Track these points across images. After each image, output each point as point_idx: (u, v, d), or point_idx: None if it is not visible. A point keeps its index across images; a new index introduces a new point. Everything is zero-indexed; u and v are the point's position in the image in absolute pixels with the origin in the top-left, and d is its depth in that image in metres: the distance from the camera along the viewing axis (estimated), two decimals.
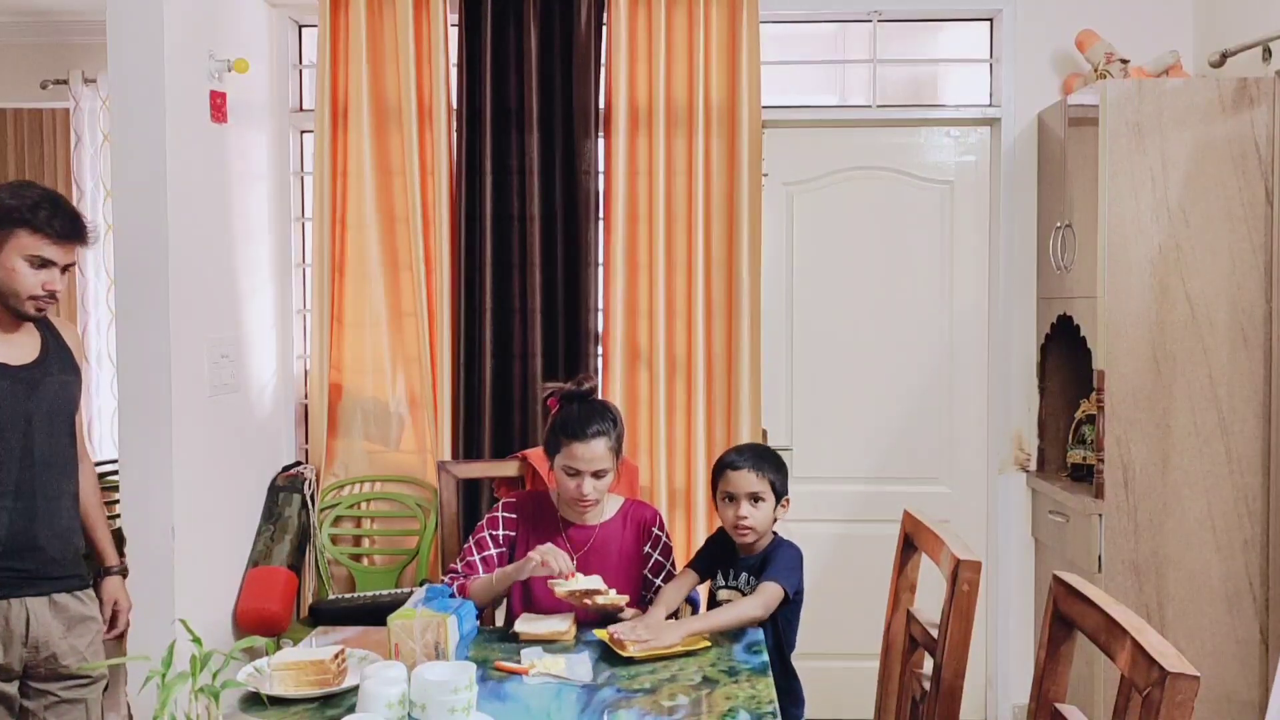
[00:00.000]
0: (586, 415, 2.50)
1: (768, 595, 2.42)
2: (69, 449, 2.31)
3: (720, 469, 2.56)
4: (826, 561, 3.73)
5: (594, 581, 2.39)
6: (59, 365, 2.30)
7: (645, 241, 3.58)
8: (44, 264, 2.18)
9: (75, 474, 2.34)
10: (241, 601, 3.38)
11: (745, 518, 2.49)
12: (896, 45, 3.91)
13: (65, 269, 2.22)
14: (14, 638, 2.22)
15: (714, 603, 2.62)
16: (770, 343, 3.71)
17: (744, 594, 2.53)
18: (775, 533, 2.59)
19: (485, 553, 2.56)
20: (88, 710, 2.34)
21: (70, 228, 2.21)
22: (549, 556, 2.36)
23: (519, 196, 3.55)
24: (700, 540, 3.53)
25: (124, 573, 2.52)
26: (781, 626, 2.52)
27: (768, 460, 2.54)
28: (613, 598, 2.38)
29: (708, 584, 2.67)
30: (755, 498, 2.50)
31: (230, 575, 3.39)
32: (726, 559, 2.61)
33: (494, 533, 2.59)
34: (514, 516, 2.62)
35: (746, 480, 2.50)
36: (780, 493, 2.54)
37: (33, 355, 2.26)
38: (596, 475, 2.49)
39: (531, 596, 2.55)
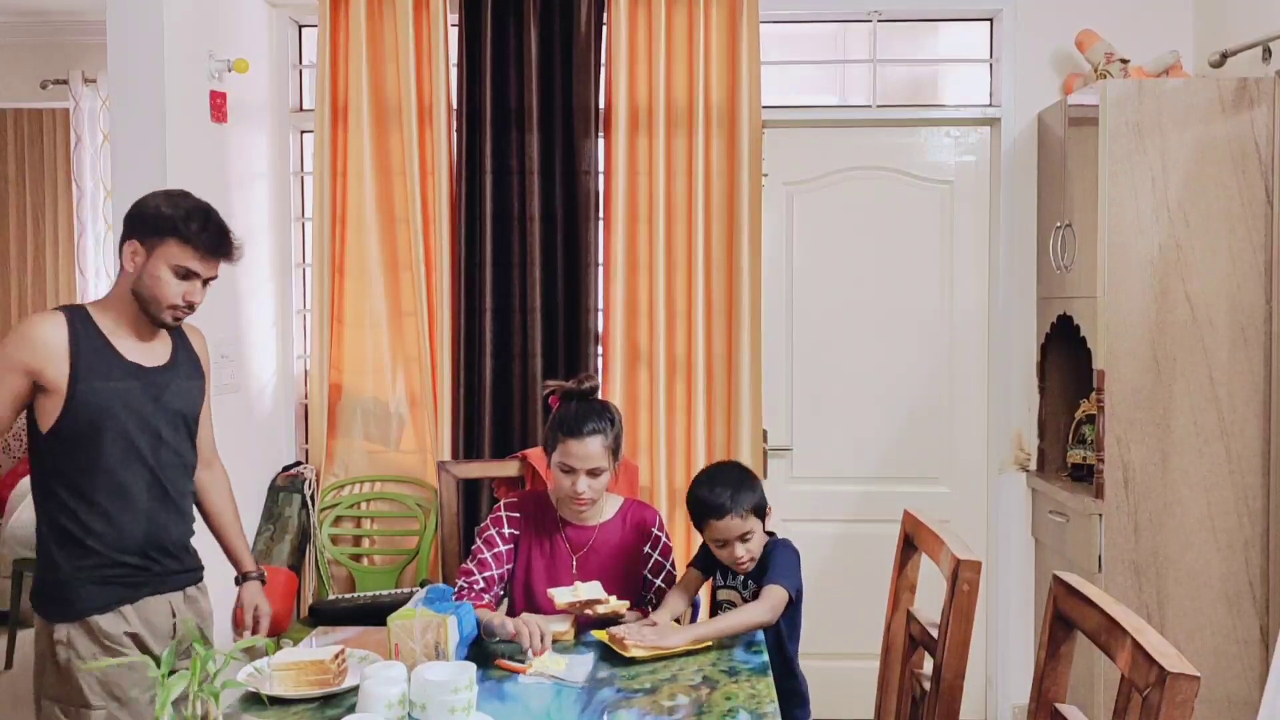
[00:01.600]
0: (583, 413, 2.50)
1: (774, 599, 2.39)
2: (190, 451, 2.33)
3: (701, 514, 2.47)
4: (826, 561, 3.73)
5: (594, 590, 2.38)
6: (186, 369, 2.31)
7: (645, 241, 3.58)
8: (188, 275, 2.17)
9: (193, 476, 2.36)
10: None
11: (742, 557, 2.46)
12: (896, 45, 3.91)
13: (206, 281, 2.22)
14: (159, 634, 2.24)
15: (715, 600, 2.61)
16: (770, 343, 3.71)
17: (741, 593, 2.53)
18: (775, 538, 2.57)
19: (495, 549, 2.56)
20: None
21: (218, 243, 2.20)
22: (523, 627, 2.26)
23: (519, 196, 3.55)
24: (699, 540, 3.53)
25: (262, 578, 2.52)
26: (784, 627, 2.51)
27: (743, 491, 2.45)
28: (613, 605, 2.38)
29: (709, 581, 2.67)
30: (745, 537, 2.45)
31: (230, 575, 3.38)
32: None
33: (500, 530, 2.59)
34: (516, 515, 2.62)
35: (733, 527, 2.43)
36: (762, 512, 2.49)
37: (164, 359, 2.26)
38: (592, 474, 2.49)
39: (533, 597, 2.55)
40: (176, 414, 2.27)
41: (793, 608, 2.48)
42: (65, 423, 2.12)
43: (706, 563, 2.61)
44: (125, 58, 3.02)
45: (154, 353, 2.25)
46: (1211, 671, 3.08)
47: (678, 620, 2.51)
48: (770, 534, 2.57)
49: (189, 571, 2.34)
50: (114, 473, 2.16)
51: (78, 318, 2.16)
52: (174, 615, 2.27)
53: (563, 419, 2.51)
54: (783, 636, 2.51)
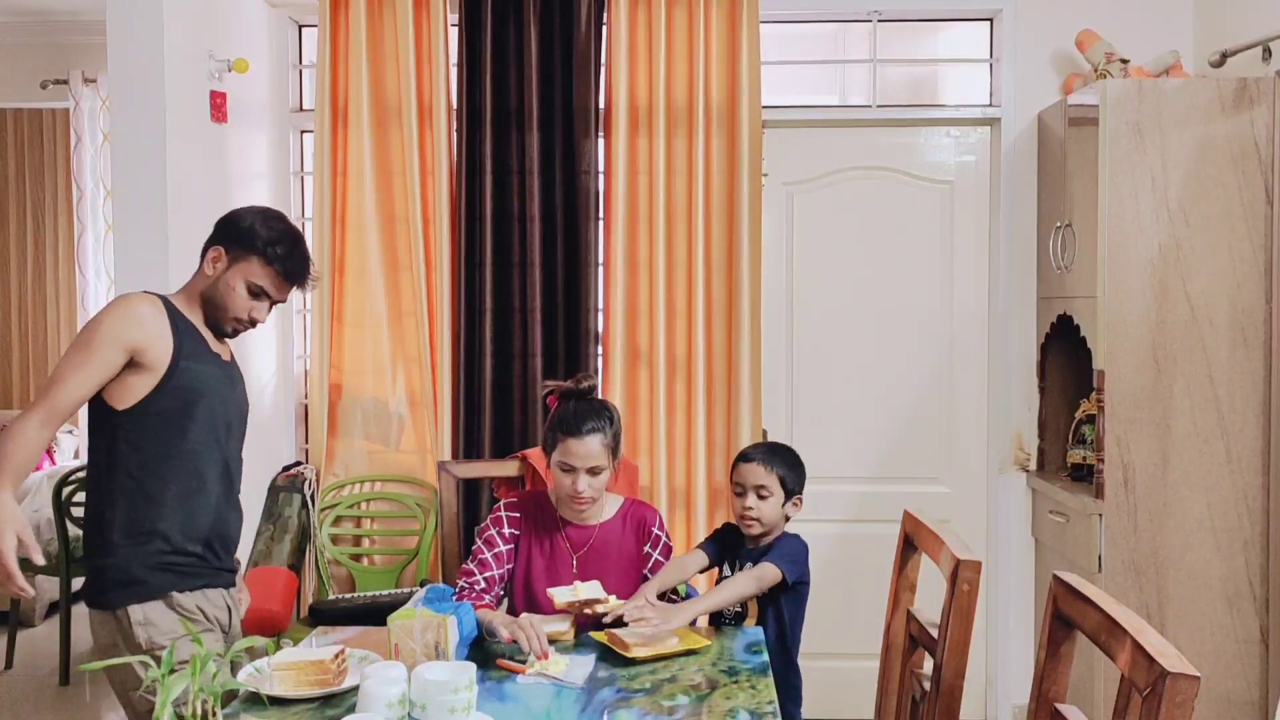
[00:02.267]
0: (582, 412, 2.51)
1: (763, 573, 2.46)
2: (241, 452, 2.37)
3: (735, 461, 2.63)
4: (826, 561, 3.72)
5: (594, 590, 2.38)
6: (239, 373, 2.38)
7: (645, 241, 3.58)
8: (260, 294, 2.23)
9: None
10: None
11: (750, 509, 2.53)
12: (896, 45, 3.91)
13: (274, 303, 2.28)
14: (216, 627, 2.26)
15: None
16: (770, 343, 3.71)
17: None
18: (785, 530, 2.61)
19: (495, 549, 2.56)
20: None
21: (298, 271, 2.25)
22: (520, 633, 2.26)
23: (519, 196, 3.55)
24: (699, 540, 3.52)
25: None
26: (788, 620, 2.53)
27: (780, 456, 2.59)
28: (613, 605, 2.38)
29: (714, 573, 2.68)
30: (761, 491, 2.53)
31: None
32: (734, 550, 2.63)
33: (500, 530, 2.59)
34: (516, 515, 2.62)
35: (754, 473, 2.54)
36: (791, 490, 2.57)
37: (228, 356, 2.34)
38: (591, 472, 2.49)
39: (532, 597, 2.55)
40: (242, 410, 2.34)
41: (796, 597, 2.52)
42: (157, 401, 2.14)
43: (716, 551, 2.64)
44: (125, 58, 3.02)
45: (222, 349, 2.32)
46: (1211, 671, 3.08)
47: (675, 593, 2.56)
48: (784, 531, 2.61)
49: (233, 571, 2.36)
50: (196, 455, 2.19)
51: (166, 303, 2.20)
52: (229, 610, 2.30)
53: (562, 418, 2.51)
54: (785, 628, 2.52)
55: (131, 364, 2.12)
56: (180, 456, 2.17)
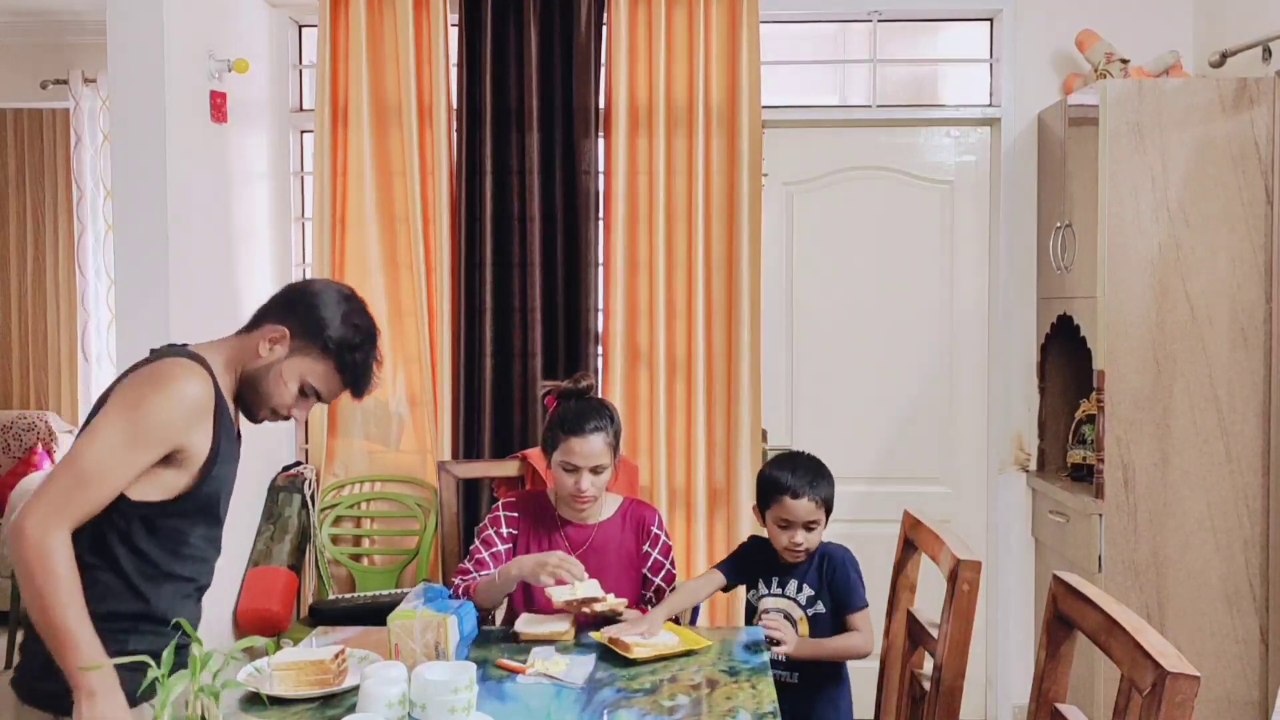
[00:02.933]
0: (584, 411, 2.51)
1: (868, 626, 2.44)
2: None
3: (775, 491, 2.44)
4: None
5: (592, 588, 2.38)
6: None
7: (645, 241, 3.58)
8: (308, 394, 1.92)
9: None
10: (242, 601, 3.39)
11: (800, 544, 2.43)
12: (896, 45, 3.91)
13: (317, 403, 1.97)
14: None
15: (750, 611, 2.55)
16: (770, 343, 3.71)
17: (796, 600, 2.47)
18: (826, 543, 2.53)
19: (494, 549, 2.56)
20: None
21: (363, 384, 1.94)
22: (564, 568, 2.33)
23: (519, 196, 3.55)
24: (699, 539, 3.53)
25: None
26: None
27: (820, 481, 2.46)
28: (611, 603, 2.38)
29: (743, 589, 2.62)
30: (810, 525, 2.44)
31: (230, 575, 3.38)
32: (770, 567, 2.53)
33: (499, 530, 2.59)
34: (515, 515, 2.62)
35: (805, 510, 2.42)
36: (830, 510, 2.48)
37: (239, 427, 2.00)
38: (594, 471, 2.49)
39: (532, 597, 2.55)
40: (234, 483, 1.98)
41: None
42: (179, 504, 1.80)
43: (739, 571, 2.56)
44: (125, 58, 3.01)
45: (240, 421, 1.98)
46: (1211, 671, 3.08)
47: (676, 620, 2.49)
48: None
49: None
50: (190, 562, 1.87)
51: (210, 372, 1.83)
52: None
53: (564, 418, 2.52)
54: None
55: (170, 459, 1.77)
56: (178, 560, 1.84)
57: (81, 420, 4.43)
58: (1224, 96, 3.09)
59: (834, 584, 2.46)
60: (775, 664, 2.43)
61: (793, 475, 2.44)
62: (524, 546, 2.57)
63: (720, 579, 2.56)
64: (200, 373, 1.81)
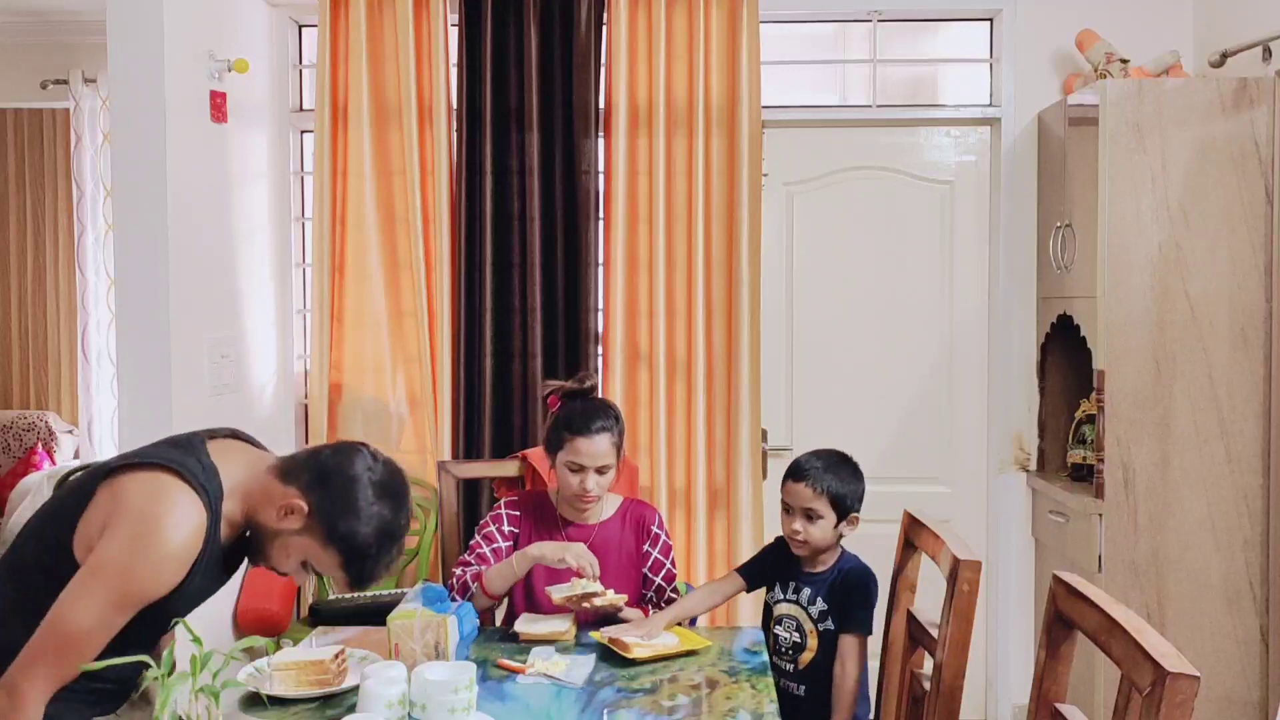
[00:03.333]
0: (590, 411, 2.51)
1: (859, 652, 2.37)
2: None
3: (786, 474, 2.45)
4: None
5: (590, 583, 2.39)
6: None
7: (645, 241, 3.58)
8: (309, 570, 1.86)
9: None
10: (242, 601, 3.39)
11: (797, 533, 2.40)
12: (896, 45, 3.91)
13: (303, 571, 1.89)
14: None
15: (768, 614, 2.52)
16: (770, 343, 3.70)
17: (807, 610, 2.44)
18: (843, 548, 2.50)
19: (495, 545, 2.57)
20: None
21: (361, 585, 1.86)
22: (586, 560, 2.39)
23: (519, 196, 3.55)
24: (699, 539, 3.53)
25: None
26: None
27: (834, 472, 2.41)
28: (610, 599, 2.38)
29: (760, 592, 2.58)
30: (810, 513, 2.40)
31: None
32: (787, 570, 2.50)
33: (500, 528, 2.60)
34: (517, 514, 2.62)
35: (802, 495, 2.39)
36: (846, 509, 2.41)
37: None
38: (600, 471, 2.50)
39: (533, 596, 2.55)
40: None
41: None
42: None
43: (759, 573, 2.54)
44: (125, 58, 3.01)
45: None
46: (1211, 671, 3.08)
47: (682, 624, 2.47)
48: (843, 550, 2.50)
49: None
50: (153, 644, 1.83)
51: (213, 519, 1.76)
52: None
53: (569, 418, 2.52)
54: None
55: None
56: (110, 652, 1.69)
57: (82, 420, 4.36)
58: (1224, 96, 3.09)
59: (841, 603, 2.41)
60: (782, 676, 2.42)
61: (806, 458, 2.44)
62: (525, 546, 2.57)
63: (740, 582, 2.54)
64: (198, 517, 1.74)
